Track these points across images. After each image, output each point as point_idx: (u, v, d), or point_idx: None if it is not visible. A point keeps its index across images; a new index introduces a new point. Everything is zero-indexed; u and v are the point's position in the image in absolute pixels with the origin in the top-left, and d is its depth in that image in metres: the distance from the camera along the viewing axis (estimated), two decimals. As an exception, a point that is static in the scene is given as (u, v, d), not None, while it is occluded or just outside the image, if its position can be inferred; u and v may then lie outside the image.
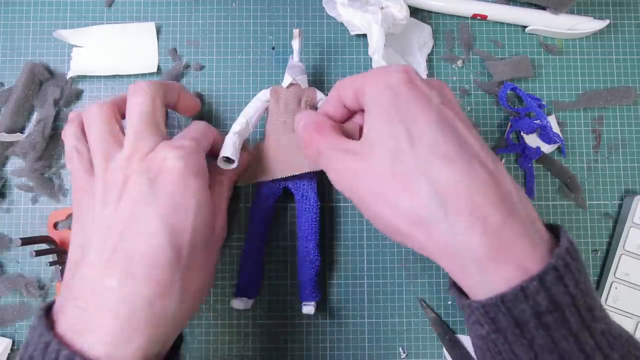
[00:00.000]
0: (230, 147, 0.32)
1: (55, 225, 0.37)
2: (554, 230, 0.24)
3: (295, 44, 0.34)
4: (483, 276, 0.22)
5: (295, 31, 0.34)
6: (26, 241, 0.33)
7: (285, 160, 0.34)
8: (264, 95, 0.35)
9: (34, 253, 0.33)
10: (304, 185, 0.35)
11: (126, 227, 0.25)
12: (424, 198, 0.23)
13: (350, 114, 0.30)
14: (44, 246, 0.34)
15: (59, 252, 0.35)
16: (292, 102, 0.34)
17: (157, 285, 0.24)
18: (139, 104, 0.29)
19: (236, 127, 0.33)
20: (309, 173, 0.34)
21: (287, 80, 0.34)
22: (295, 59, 0.35)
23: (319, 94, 0.35)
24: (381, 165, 0.24)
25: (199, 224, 0.27)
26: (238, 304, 0.33)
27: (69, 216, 0.37)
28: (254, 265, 0.35)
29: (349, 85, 0.28)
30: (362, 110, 0.28)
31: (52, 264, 0.34)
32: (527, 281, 0.21)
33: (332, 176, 0.28)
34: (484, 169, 0.23)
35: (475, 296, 0.23)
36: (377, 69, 0.27)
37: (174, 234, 0.25)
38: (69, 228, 0.37)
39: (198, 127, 0.32)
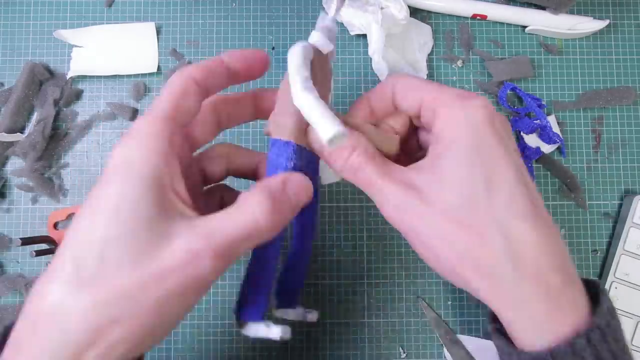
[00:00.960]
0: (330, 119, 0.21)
1: (56, 225, 0.37)
2: (589, 285, 0.25)
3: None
4: (536, 332, 0.23)
5: None
6: (26, 241, 0.33)
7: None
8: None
9: (34, 253, 0.33)
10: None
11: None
12: (498, 252, 0.22)
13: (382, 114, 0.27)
14: (44, 246, 0.34)
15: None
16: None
17: (50, 312, 0.19)
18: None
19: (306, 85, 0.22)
20: (314, 162, 0.27)
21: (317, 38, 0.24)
22: (330, 14, 0.25)
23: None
24: (453, 211, 0.23)
25: (114, 234, 0.19)
26: (293, 313, 0.29)
27: (69, 216, 0.37)
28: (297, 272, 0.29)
29: (412, 91, 0.26)
30: (413, 123, 0.27)
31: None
32: (575, 338, 0.22)
33: (388, 212, 0.25)
34: (549, 230, 0.23)
35: (522, 345, 0.24)
36: (453, 91, 0.25)
37: (75, 247, 0.20)
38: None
39: (169, 85, 0.23)
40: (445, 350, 0.36)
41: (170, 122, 0.22)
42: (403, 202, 0.24)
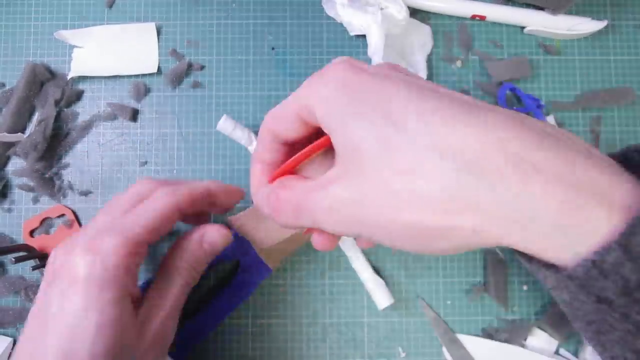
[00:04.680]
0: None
1: (32, 233, 0.37)
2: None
3: None
4: (567, 234, 0.18)
5: None
6: (2, 251, 0.33)
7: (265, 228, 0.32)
8: None
9: (14, 260, 0.33)
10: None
11: (31, 349, 0.23)
12: (451, 174, 0.18)
13: (291, 148, 0.25)
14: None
15: (40, 256, 0.35)
16: None
17: None
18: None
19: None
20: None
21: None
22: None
23: None
24: (379, 173, 0.19)
25: (100, 352, 0.22)
26: None
27: (43, 222, 0.37)
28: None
29: (286, 112, 0.23)
30: (316, 136, 0.23)
31: (35, 268, 0.34)
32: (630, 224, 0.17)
33: (329, 219, 0.21)
34: (500, 114, 0.19)
35: (566, 261, 0.18)
36: (312, 75, 0.22)
37: None
38: (46, 233, 0.37)
39: (151, 207, 0.26)
40: (444, 350, 0.36)
41: (142, 245, 0.25)
42: (334, 201, 0.20)
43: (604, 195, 0.17)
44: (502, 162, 0.18)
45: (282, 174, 0.25)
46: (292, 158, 0.24)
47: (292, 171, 0.25)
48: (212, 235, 0.29)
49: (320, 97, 0.21)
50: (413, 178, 0.19)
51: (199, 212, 0.30)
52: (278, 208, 0.23)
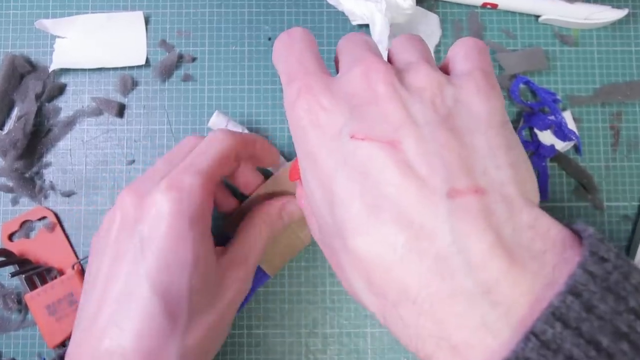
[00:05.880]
0: None
1: (11, 237, 0.35)
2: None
3: None
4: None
5: None
6: None
7: None
8: None
9: None
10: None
11: (119, 290, 0.23)
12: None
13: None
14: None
15: (19, 262, 0.33)
16: None
17: (147, 357, 0.22)
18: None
19: None
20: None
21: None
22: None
23: None
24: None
25: (198, 284, 0.23)
26: None
27: (23, 225, 0.35)
28: None
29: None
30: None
31: (14, 274, 0.32)
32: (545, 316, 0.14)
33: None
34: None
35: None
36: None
37: (166, 299, 0.22)
38: (26, 237, 0.35)
39: (213, 146, 0.26)
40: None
41: (214, 181, 0.25)
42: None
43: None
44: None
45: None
46: None
47: None
48: (292, 207, 0.30)
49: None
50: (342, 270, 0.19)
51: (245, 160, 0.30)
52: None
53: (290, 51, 0.21)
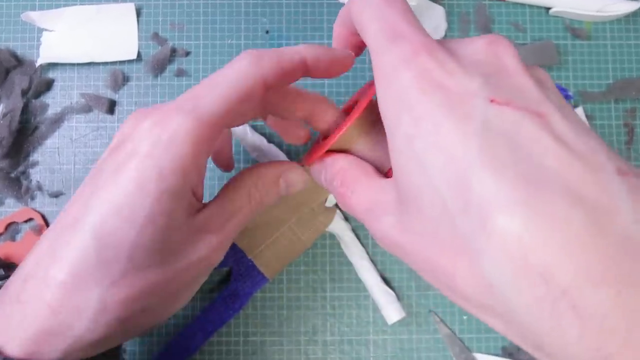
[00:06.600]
0: None
1: None
2: None
3: None
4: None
5: None
6: None
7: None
8: None
9: None
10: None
11: (72, 215, 0.21)
12: (489, 280, 0.16)
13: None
14: None
15: (4, 266, 0.32)
16: None
17: (64, 293, 0.20)
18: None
19: None
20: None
21: None
22: None
23: None
24: (438, 227, 0.17)
25: (147, 242, 0.21)
26: None
27: (8, 227, 0.33)
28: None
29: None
30: None
31: None
32: None
33: (380, 243, 0.21)
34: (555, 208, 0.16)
35: None
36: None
37: (103, 245, 0.20)
38: (11, 240, 0.34)
39: (227, 78, 0.21)
40: (460, 371, 0.33)
41: (217, 128, 0.21)
42: (383, 235, 0.20)
43: None
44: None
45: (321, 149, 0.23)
46: (332, 138, 0.22)
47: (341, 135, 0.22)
48: (294, 176, 0.25)
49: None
50: (469, 261, 0.16)
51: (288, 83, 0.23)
52: (343, 200, 0.22)
53: (393, 6, 0.19)
